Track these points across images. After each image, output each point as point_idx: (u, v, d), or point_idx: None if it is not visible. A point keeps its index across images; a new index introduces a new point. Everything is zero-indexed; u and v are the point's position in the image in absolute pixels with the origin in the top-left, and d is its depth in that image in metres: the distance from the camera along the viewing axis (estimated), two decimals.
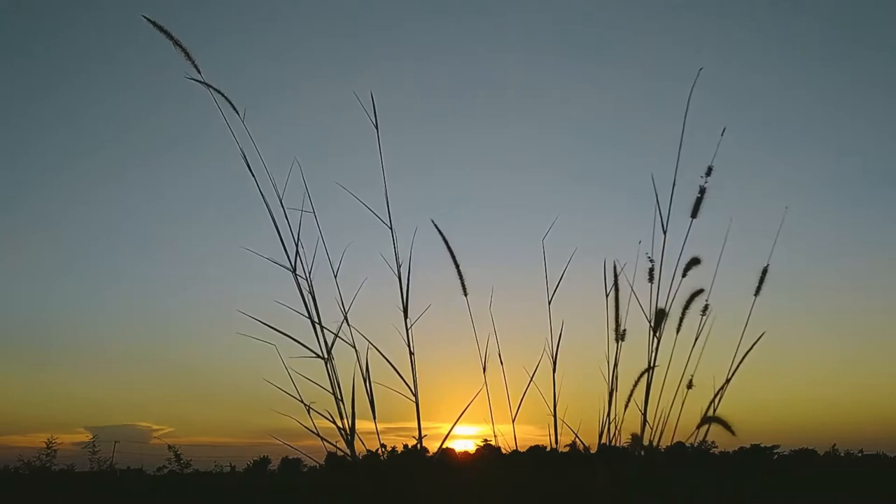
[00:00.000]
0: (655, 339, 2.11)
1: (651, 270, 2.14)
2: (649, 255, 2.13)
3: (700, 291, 2.12)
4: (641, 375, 2.09)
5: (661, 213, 2.13)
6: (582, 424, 2.15)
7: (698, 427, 1.99)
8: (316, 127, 30.21)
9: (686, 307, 2.13)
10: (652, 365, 2.10)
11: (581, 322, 2.26)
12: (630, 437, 2.07)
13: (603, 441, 2.11)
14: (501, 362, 2.17)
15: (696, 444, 2.01)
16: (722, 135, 2.10)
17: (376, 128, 2.11)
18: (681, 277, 2.12)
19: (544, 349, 2.15)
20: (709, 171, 2.12)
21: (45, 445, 9.46)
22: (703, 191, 2.12)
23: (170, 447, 9.61)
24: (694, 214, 2.13)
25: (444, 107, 35.80)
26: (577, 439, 2.16)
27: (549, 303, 2.17)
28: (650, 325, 2.12)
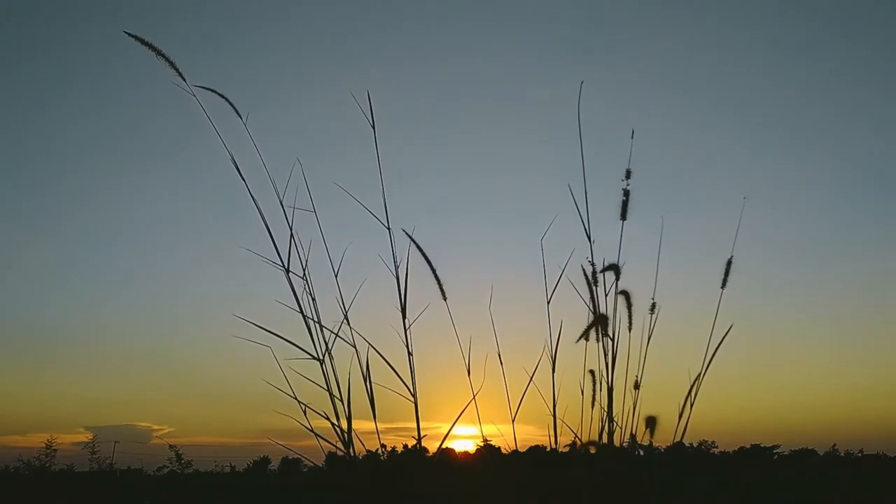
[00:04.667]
0: (609, 340, 2.12)
1: (594, 274, 2.15)
2: (589, 258, 2.16)
3: (626, 293, 2.15)
4: (600, 375, 2.11)
5: (583, 220, 2.15)
6: (582, 424, 2.15)
7: (647, 427, 2.02)
8: (313, 129, 30.22)
9: (629, 307, 2.15)
10: (608, 365, 2.12)
11: (580, 321, 2.25)
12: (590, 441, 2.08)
13: (603, 441, 2.10)
14: (501, 362, 2.16)
15: (695, 444, 2.02)
16: (632, 138, 2.12)
17: (373, 128, 2.10)
18: (615, 280, 2.15)
19: (544, 349, 2.14)
20: (628, 174, 2.14)
21: (45, 445, 9.46)
22: (626, 193, 2.15)
23: (171, 447, 9.63)
24: (623, 216, 2.15)
25: (444, 108, 35.79)
26: (576, 439, 2.15)
27: (548, 302, 2.16)
28: (593, 327, 2.13)
